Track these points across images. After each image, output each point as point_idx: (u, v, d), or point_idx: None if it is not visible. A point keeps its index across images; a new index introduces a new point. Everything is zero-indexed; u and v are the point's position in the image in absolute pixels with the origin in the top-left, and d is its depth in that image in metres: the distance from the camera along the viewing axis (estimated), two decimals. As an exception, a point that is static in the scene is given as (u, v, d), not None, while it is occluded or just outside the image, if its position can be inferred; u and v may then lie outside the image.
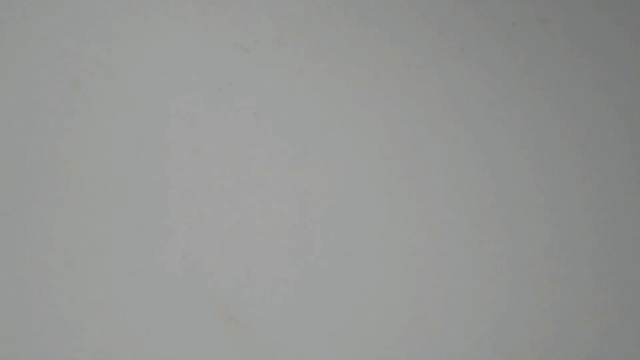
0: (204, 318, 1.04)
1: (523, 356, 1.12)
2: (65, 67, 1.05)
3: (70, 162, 1.04)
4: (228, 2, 1.12)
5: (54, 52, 1.05)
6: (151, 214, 1.05)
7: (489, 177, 1.17)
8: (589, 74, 1.23)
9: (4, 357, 0.97)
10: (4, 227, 1.00)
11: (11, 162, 1.02)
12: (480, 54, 1.21)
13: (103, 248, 1.03)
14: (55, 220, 1.02)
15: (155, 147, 1.07)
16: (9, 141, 1.02)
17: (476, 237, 1.15)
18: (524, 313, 1.13)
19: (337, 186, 1.12)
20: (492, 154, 1.18)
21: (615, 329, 1.15)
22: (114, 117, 1.06)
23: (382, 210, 1.13)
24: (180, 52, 1.10)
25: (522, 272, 1.14)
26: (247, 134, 1.10)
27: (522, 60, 1.22)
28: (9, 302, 0.99)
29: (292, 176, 1.11)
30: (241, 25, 1.12)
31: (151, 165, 1.06)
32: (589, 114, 1.23)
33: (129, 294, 1.03)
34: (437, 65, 1.18)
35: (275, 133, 1.11)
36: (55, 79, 1.05)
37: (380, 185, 1.13)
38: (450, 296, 1.12)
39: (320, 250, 1.09)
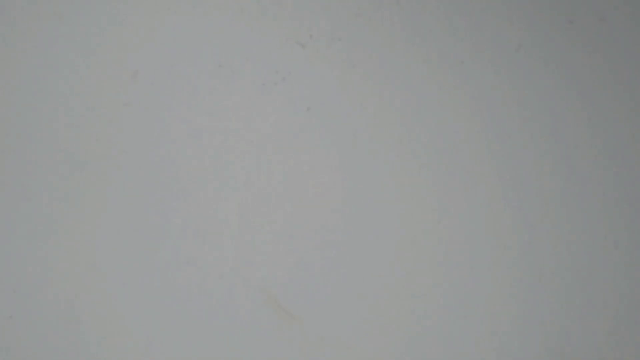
0: (255, 309, 1.05)
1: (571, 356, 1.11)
2: (124, 58, 1.07)
3: (126, 153, 1.06)
4: (284, -2, 1.13)
5: (114, 42, 1.07)
6: (205, 205, 1.07)
7: (546, 173, 1.16)
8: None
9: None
10: (63, 213, 1.03)
11: (69, 151, 1.04)
12: (537, 50, 1.19)
13: (156, 236, 1.05)
14: (111, 211, 1.04)
15: (211, 139, 1.08)
16: (67, 131, 1.05)
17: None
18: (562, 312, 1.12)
19: (388, 180, 1.12)
20: (561, 153, 1.17)
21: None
22: (170, 109, 1.08)
23: (432, 204, 1.13)
24: (237, 46, 1.11)
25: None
26: (299, 127, 1.11)
27: (580, 58, 1.20)
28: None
29: (343, 169, 1.11)
30: (296, 20, 1.13)
31: (206, 157, 1.08)
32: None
33: (180, 283, 1.04)
34: (491, 63, 1.17)
35: (327, 127, 1.12)
36: (114, 70, 1.07)
37: (433, 179, 1.13)
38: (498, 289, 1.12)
39: (371, 243, 1.10)
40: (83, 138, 1.05)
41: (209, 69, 1.09)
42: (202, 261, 1.05)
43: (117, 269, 1.03)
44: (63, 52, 1.06)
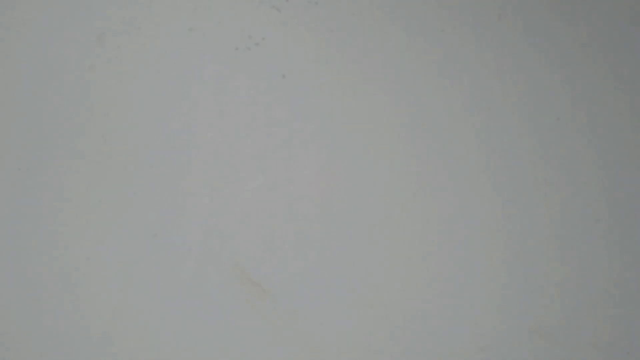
0: (226, 283, 1.03)
1: (550, 331, 1.09)
2: (90, 22, 1.04)
3: (91, 119, 1.02)
4: (260, -40, 1.09)
5: (79, 6, 1.04)
6: (173, 176, 1.04)
7: (534, 144, 1.14)
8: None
9: (23, 323, 0.97)
10: (21, 182, 0.99)
11: (32, 115, 1.01)
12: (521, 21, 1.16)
13: (123, 210, 1.02)
14: (74, 179, 1.01)
15: (179, 106, 1.05)
16: (30, 95, 1.01)
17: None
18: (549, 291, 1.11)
19: (365, 150, 1.09)
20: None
21: (637, 304, 1.12)
22: (137, 74, 1.04)
23: (407, 174, 1.10)
24: (208, 10, 1.07)
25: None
26: (274, 95, 1.08)
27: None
28: (24, 266, 0.98)
29: (319, 139, 1.08)
30: (271, -17, 1.09)
31: (174, 126, 1.05)
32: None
33: (149, 257, 1.02)
34: (473, 32, 1.14)
35: (303, 95, 1.08)
36: (79, 33, 1.03)
37: (410, 151, 1.10)
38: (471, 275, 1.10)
39: (344, 216, 1.07)
40: (46, 104, 1.01)
41: (178, 33, 1.06)
42: (170, 235, 1.02)
43: (77, 241, 1.00)
44: (24, 15, 1.02)
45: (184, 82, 1.05)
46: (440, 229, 1.10)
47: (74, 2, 1.04)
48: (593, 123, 1.16)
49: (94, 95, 1.03)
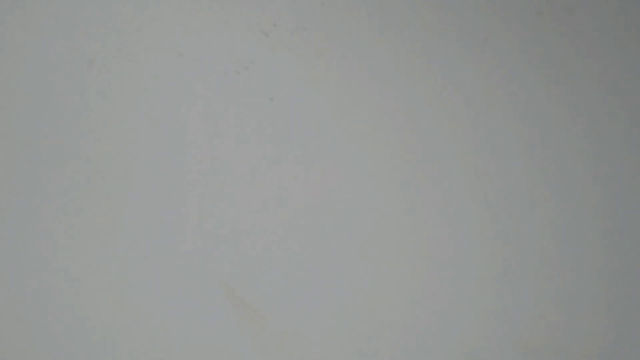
0: (215, 301, 1.03)
1: (535, 347, 1.10)
2: (80, 46, 1.04)
3: (82, 142, 1.03)
4: (247, -15, 1.11)
5: (70, 30, 1.04)
6: (164, 197, 1.04)
7: (504, 170, 1.15)
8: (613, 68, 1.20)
9: (14, 337, 0.96)
10: (16, 203, 1.00)
11: (24, 140, 1.01)
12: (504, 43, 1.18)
13: (115, 230, 1.02)
14: (67, 200, 1.01)
15: (170, 129, 1.06)
16: (22, 119, 1.02)
17: (485, 224, 1.13)
18: (537, 305, 1.11)
19: (352, 173, 1.10)
20: (511, 148, 1.15)
21: (625, 322, 1.12)
22: (128, 98, 1.05)
23: (399, 196, 1.11)
24: (197, 35, 1.08)
25: (530, 271, 1.12)
26: (262, 118, 1.09)
27: (548, 51, 1.19)
28: (18, 282, 0.98)
29: (307, 162, 1.09)
30: (260, 8, 1.10)
31: (165, 148, 1.05)
32: (615, 110, 1.20)
33: (139, 276, 1.02)
34: (458, 54, 1.16)
35: (291, 118, 1.09)
36: (70, 58, 1.04)
37: (398, 172, 1.11)
38: (458, 291, 1.10)
39: (333, 237, 1.08)
40: (37, 127, 1.01)
41: (168, 58, 1.07)
42: (160, 254, 1.02)
43: (70, 259, 1.00)
44: (17, 39, 1.02)
45: (173, 106, 1.06)
46: (428, 246, 1.10)
47: (64, 28, 1.04)
48: (584, 129, 1.17)
49: (85, 120, 1.03)
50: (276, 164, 1.08)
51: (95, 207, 1.02)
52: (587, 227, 1.15)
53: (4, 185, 1.00)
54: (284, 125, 1.09)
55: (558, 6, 1.20)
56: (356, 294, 1.07)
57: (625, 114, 1.19)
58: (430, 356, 1.07)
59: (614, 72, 1.20)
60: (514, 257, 1.13)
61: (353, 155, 1.11)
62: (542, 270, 1.13)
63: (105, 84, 1.04)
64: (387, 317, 1.08)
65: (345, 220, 1.09)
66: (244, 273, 1.05)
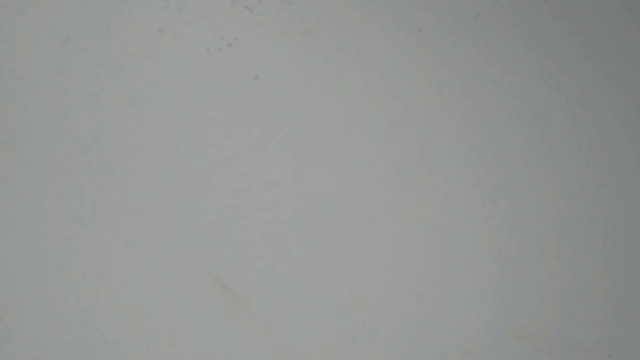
0: (200, 289, 1.01)
1: (532, 335, 1.08)
2: (56, 23, 1.01)
3: (58, 121, 1.00)
4: (231, -42, 1.07)
5: (45, 7, 1.01)
6: (144, 181, 1.02)
7: (493, 163, 1.13)
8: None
9: None
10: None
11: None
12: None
13: (94, 215, 0.99)
14: (44, 184, 0.98)
15: (150, 109, 1.03)
16: (-7, 99, 0.99)
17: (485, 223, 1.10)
18: (533, 294, 1.09)
19: (341, 155, 1.07)
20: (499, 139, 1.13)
21: (621, 310, 1.11)
22: (106, 76, 1.02)
23: (385, 176, 1.08)
24: (178, 10, 1.05)
25: (529, 267, 1.10)
26: (247, 97, 1.06)
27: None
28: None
29: (292, 142, 1.06)
30: (243, -18, 1.07)
31: (145, 129, 1.02)
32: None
33: (122, 264, 0.99)
34: (449, 31, 1.13)
35: (276, 97, 1.06)
36: (45, 35, 1.01)
37: (389, 155, 1.09)
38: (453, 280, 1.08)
39: (318, 220, 1.05)
40: (11, 107, 0.98)
41: (147, 34, 1.04)
42: (141, 242, 1.00)
43: (52, 246, 0.97)
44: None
45: (153, 84, 1.03)
46: (420, 233, 1.08)
47: (39, 4, 1.01)
48: (579, 123, 1.15)
49: (61, 99, 1.00)
50: (261, 146, 1.05)
51: (74, 188, 0.99)
52: (582, 214, 1.13)
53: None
54: (269, 104, 1.06)
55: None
56: (345, 280, 1.05)
57: (624, 96, 1.17)
58: (426, 344, 1.06)
59: (609, 54, 1.18)
60: (508, 245, 1.11)
61: (341, 136, 1.08)
62: (539, 259, 1.11)
63: (82, 62, 1.01)
64: (377, 304, 1.06)
65: (334, 206, 1.06)
66: (230, 261, 1.02)
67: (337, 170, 1.07)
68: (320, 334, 1.04)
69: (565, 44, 1.16)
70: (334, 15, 1.09)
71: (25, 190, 0.98)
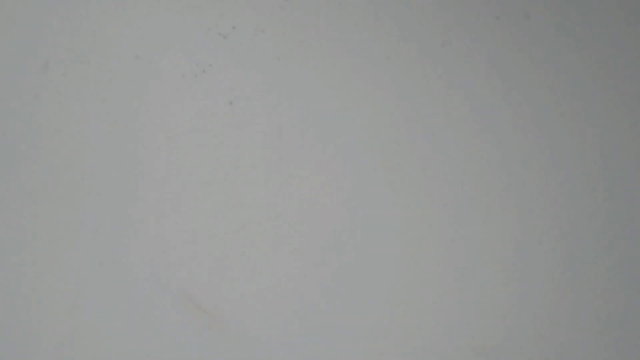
0: (174, 310, 1.02)
1: (495, 350, 1.10)
2: (34, 49, 1.02)
3: (36, 147, 1.01)
4: (206, -13, 1.09)
5: (24, 33, 1.02)
6: (120, 202, 1.03)
7: (468, 172, 1.15)
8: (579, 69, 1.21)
9: None
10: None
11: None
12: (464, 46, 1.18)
13: (69, 236, 1.00)
14: (20, 207, 0.99)
15: (126, 134, 1.04)
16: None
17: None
18: (501, 310, 1.11)
19: (312, 177, 1.09)
20: (476, 148, 1.15)
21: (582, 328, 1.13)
22: (84, 101, 1.03)
23: (357, 199, 1.10)
24: (155, 37, 1.07)
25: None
26: (221, 122, 1.07)
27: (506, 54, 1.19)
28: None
29: (266, 166, 1.08)
30: (218, 10, 1.09)
31: (121, 153, 1.04)
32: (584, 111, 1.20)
33: (96, 285, 1.00)
34: (418, 58, 1.15)
35: (250, 122, 1.08)
36: (24, 61, 1.02)
37: (360, 175, 1.11)
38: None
39: (293, 241, 1.07)
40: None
41: (124, 60, 1.05)
42: (117, 262, 1.01)
43: (25, 268, 0.98)
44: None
45: (130, 109, 1.04)
46: (387, 249, 1.10)
47: (18, 30, 1.02)
48: (535, 143, 1.17)
49: (39, 124, 1.01)
50: (234, 170, 1.07)
51: (49, 211, 1.00)
52: (543, 231, 1.15)
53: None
54: (243, 130, 1.08)
55: (515, 10, 1.20)
56: (317, 298, 1.07)
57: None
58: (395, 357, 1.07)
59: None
60: (469, 262, 1.13)
61: (313, 163, 1.10)
62: (496, 276, 1.13)
63: (60, 86, 1.02)
64: (347, 324, 1.07)
65: (306, 224, 1.08)
66: (201, 279, 1.03)
67: (309, 193, 1.09)
68: (292, 354, 1.05)
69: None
70: (306, 43, 1.12)
71: (7, 213, 0.99)
